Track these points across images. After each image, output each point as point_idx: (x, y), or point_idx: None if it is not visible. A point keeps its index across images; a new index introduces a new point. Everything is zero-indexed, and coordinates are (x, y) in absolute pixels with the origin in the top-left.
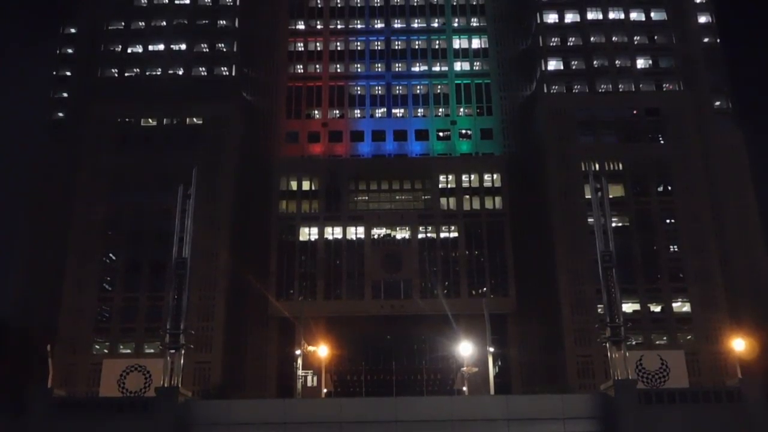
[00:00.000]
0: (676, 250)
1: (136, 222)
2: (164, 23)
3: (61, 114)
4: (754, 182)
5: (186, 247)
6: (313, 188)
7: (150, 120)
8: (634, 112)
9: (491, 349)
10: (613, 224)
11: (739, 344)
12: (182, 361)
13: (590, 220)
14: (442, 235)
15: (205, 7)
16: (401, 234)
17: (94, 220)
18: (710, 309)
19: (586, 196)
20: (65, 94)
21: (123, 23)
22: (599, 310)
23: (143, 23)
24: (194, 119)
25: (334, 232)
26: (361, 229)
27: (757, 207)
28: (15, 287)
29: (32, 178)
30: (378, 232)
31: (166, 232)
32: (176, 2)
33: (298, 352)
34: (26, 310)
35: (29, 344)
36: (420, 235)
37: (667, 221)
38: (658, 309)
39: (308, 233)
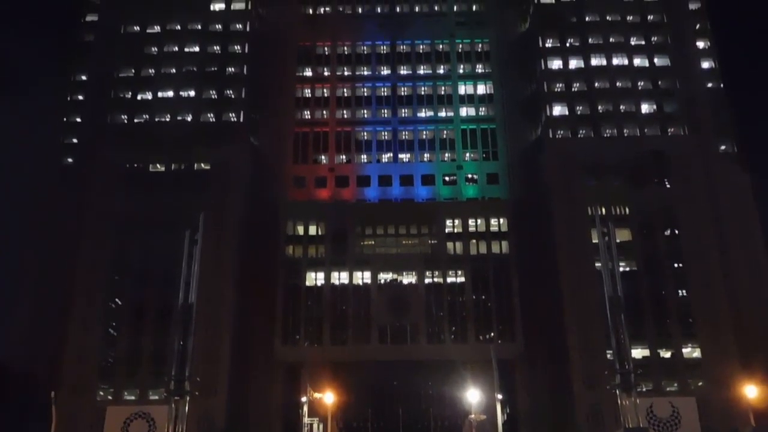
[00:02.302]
0: (684, 294)
1: (142, 266)
2: (173, 70)
3: (70, 159)
4: (762, 225)
5: (192, 292)
6: (319, 233)
7: (158, 165)
8: (640, 156)
9: (499, 396)
10: (621, 268)
11: (751, 391)
12: (187, 408)
13: (597, 264)
14: (449, 279)
15: (214, 55)
16: (408, 278)
17: (100, 263)
18: (721, 354)
19: (593, 240)
20: (75, 140)
21: (133, 70)
22: (608, 355)
23: (153, 70)
24: (202, 164)
25: (340, 277)
26: (367, 274)
27: (765, 250)
28: (19, 330)
29: (40, 221)
30: (384, 276)
31: (172, 276)
32: (186, 50)
33: (303, 399)
34: (30, 353)
35: (32, 388)
36: (426, 280)
37: (675, 265)
38: (667, 355)
39: (314, 278)
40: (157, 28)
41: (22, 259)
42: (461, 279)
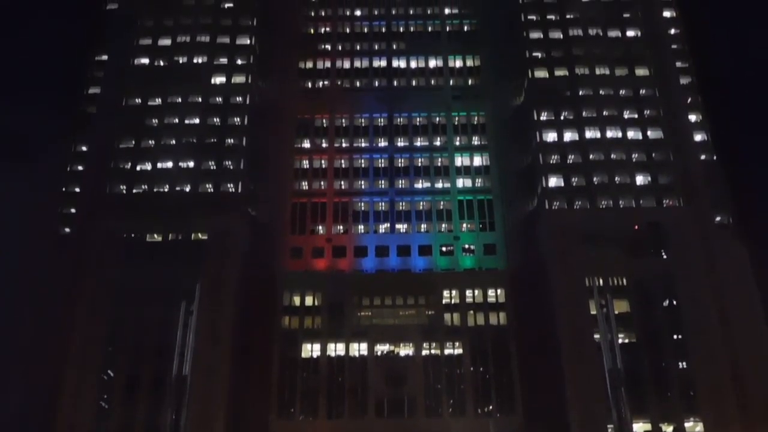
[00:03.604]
0: (685, 366)
1: (137, 337)
2: (173, 141)
3: (68, 229)
4: (762, 296)
5: (186, 363)
6: (316, 303)
7: (156, 235)
8: (636, 227)
9: None
10: (620, 340)
11: None
12: None
13: (597, 335)
14: (447, 351)
15: (213, 126)
16: (405, 350)
17: (94, 334)
18: (724, 428)
19: (592, 311)
20: (73, 210)
21: (133, 141)
22: (610, 429)
23: (153, 141)
24: (200, 234)
25: (336, 348)
26: (364, 345)
27: (765, 321)
28: (10, 402)
29: (34, 292)
30: (381, 348)
31: (167, 347)
32: (186, 122)
33: None
34: (20, 427)
35: None
36: (424, 352)
37: (675, 337)
38: (670, 429)
39: (310, 349)
40: (158, 101)
41: (15, 329)
42: (459, 350)
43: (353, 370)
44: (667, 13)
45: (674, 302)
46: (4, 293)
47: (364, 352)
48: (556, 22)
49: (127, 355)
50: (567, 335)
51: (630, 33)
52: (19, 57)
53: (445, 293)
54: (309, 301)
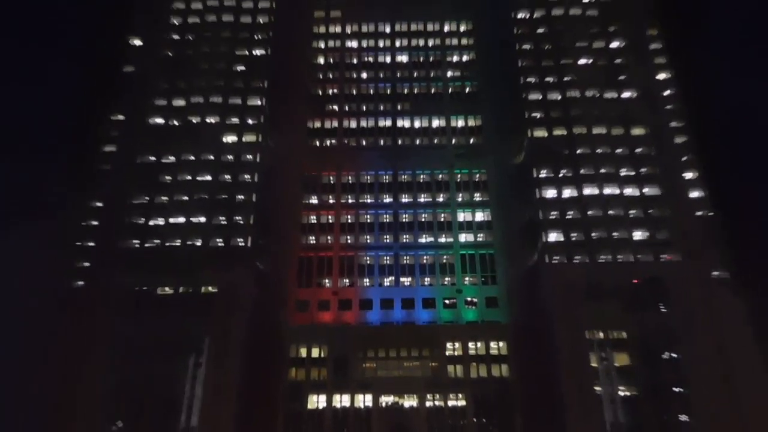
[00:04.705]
0: (687, 420)
1: (145, 389)
2: (185, 198)
3: (81, 282)
4: (761, 350)
5: (194, 416)
6: (321, 356)
7: (166, 289)
8: (635, 281)
9: None
10: (622, 393)
11: None
12: None
13: (598, 388)
14: (450, 402)
15: (224, 183)
16: (409, 402)
17: (104, 386)
18: None
19: (593, 365)
20: (86, 264)
21: (147, 198)
22: None
23: (166, 198)
24: (209, 288)
25: (342, 400)
26: (368, 397)
27: (766, 372)
28: None
29: (45, 344)
30: (386, 399)
31: (175, 400)
32: (198, 178)
33: None
34: None
35: None
36: (428, 403)
37: (676, 390)
38: None
39: (316, 401)
40: (171, 158)
41: (25, 381)
42: (462, 402)
43: (358, 422)
44: (661, 75)
45: (674, 355)
46: (15, 345)
47: (369, 404)
48: (554, 84)
49: (135, 408)
50: (569, 388)
51: (626, 94)
52: (35, 116)
53: (449, 345)
54: (315, 353)
